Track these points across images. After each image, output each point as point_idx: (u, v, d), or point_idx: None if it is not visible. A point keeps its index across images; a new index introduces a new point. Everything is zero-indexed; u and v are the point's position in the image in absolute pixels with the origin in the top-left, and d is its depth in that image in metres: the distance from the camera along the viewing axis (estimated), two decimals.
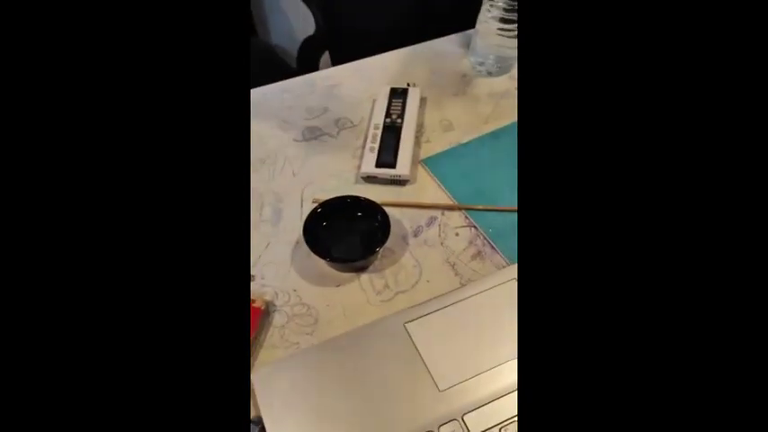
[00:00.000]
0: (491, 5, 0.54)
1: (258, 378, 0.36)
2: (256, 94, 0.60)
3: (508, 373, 0.36)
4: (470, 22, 0.59)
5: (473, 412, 0.34)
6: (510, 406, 0.34)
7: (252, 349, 0.38)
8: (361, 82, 0.60)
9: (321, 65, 0.94)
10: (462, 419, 0.34)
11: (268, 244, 0.45)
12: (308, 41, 0.93)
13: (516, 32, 0.55)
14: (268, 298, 0.41)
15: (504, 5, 0.52)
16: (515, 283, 0.40)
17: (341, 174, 0.50)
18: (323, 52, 0.87)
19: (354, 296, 0.42)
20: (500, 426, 0.34)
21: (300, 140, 0.54)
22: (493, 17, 0.54)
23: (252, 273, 0.43)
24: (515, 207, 0.46)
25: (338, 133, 0.55)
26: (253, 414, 0.35)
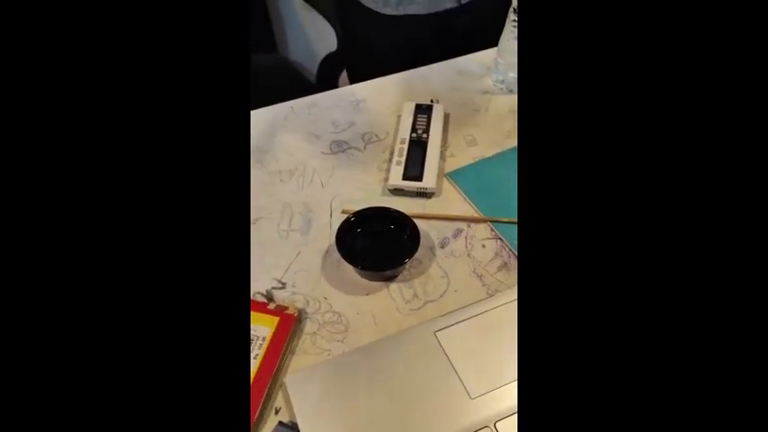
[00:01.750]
0: (513, 26, 0.56)
1: (292, 383, 0.37)
2: (283, 108, 0.62)
3: None
4: (488, 42, 0.61)
5: (505, 419, 0.35)
6: None
7: (284, 355, 0.39)
8: (386, 98, 0.62)
9: (340, 82, 0.96)
10: (494, 426, 0.35)
11: (299, 253, 0.46)
12: (328, 58, 0.96)
13: None
14: (299, 305, 0.42)
15: None
16: None
17: (368, 186, 0.52)
18: (343, 69, 0.89)
19: (384, 304, 0.43)
20: None
21: (328, 153, 0.56)
22: (515, 37, 0.56)
23: (283, 281, 0.44)
24: None
25: (365, 147, 0.56)
26: (288, 419, 0.36)
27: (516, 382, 0.36)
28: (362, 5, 0.68)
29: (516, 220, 0.48)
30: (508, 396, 0.36)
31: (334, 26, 0.89)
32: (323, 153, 0.56)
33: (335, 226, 0.45)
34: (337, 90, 0.65)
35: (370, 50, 0.76)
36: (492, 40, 0.61)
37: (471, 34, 0.69)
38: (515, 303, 0.41)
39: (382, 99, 0.62)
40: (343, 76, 0.95)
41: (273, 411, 0.37)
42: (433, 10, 0.67)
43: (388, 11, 0.68)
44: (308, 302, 0.43)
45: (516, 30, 0.55)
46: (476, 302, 0.41)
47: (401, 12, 0.67)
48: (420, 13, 0.67)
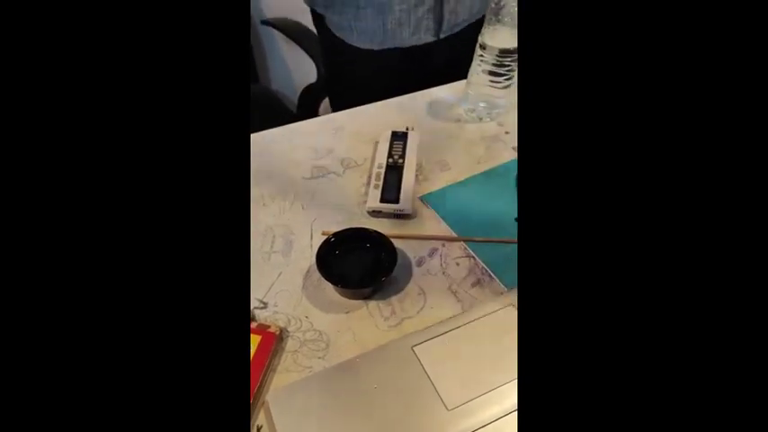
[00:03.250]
0: (481, 60, 0.60)
1: (273, 400, 0.38)
2: (266, 136, 0.64)
3: (512, 393, 0.38)
4: (463, 74, 0.65)
5: (481, 429, 0.36)
6: (514, 424, 0.37)
7: (266, 373, 0.40)
8: (364, 125, 0.65)
9: (321, 110, 1.00)
10: None
11: (280, 273, 0.48)
12: (308, 88, 1.00)
13: (503, 84, 0.62)
14: (281, 324, 0.44)
15: (493, 61, 0.59)
16: (513, 309, 0.44)
17: (347, 208, 0.54)
18: (323, 98, 0.93)
19: (363, 322, 0.44)
20: None
21: (309, 178, 0.58)
22: (483, 70, 0.61)
23: (265, 301, 0.46)
24: (509, 239, 0.50)
25: (344, 172, 0.59)
26: None
27: (490, 392, 0.38)
28: (347, 44, 0.73)
29: (488, 239, 0.50)
30: (483, 407, 0.37)
31: (315, 61, 0.93)
32: (304, 178, 0.58)
33: (316, 247, 0.47)
34: (318, 118, 0.68)
35: (351, 81, 0.80)
36: (465, 72, 0.65)
37: (447, 66, 0.74)
38: (489, 317, 0.43)
39: (360, 127, 0.65)
40: (324, 104, 0.99)
41: (255, 430, 0.37)
42: (414, 44, 0.72)
43: (373, 46, 0.72)
44: (289, 321, 0.44)
45: (482, 63, 0.60)
46: (451, 318, 0.43)
47: (385, 47, 0.72)
48: (402, 46, 0.72)
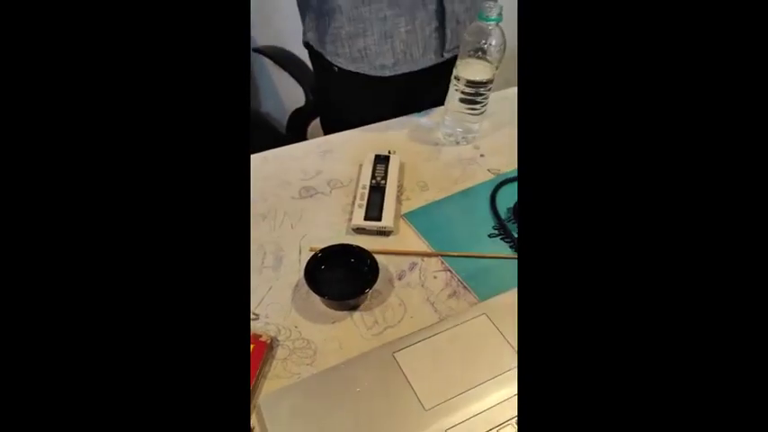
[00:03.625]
0: (456, 90, 0.66)
1: (264, 404, 0.41)
2: (257, 158, 0.68)
3: (484, 393, 0.42)
4: (441, 102, 0.71)
5: (456, 427, 0.40)
6: (489, 419, 0.40)
7: (258, 379, 0.43)
8: (350, 149, 0.70)
9: (309, 132, 1.05)
10: None
11: (270, 287, 0.51)
12: (297, 111, 1.05)
13: (477, 111, 0.67)
14: (272, 334, 0.47)
15: (467, 90, 0.64)
16: (486, 318, 0.48)
17: (333, 226, 0.58)
18: (311, 121, 0.98)
19: (348, 331, 0.48)
20: None
21: (297, 198, 0.62)
22: (458, 99, 0.66)
23: (257, 312, 0.49)
24: (484, 254, 0.55)
25: (330, 192, 0.63)
26: None
27: (465, 393, 0.42)
28: (349, 74, 0.76)
29: (464, 253, 0.55)
30: (458, 406, 0.41)
31: (303, 86, 0.98)
32: (293, 198, 0.62)
33: (304, 262, 0.50)
34: (307, 142, 0.72)
35: (340, 107, 0.85)
36: (443, 101, 0.70)
37: (427, 95, 0.79)
38: (463, 326, 0.47)
39: (347, 150, 0.70)
40: (312, 126, 1.03)
41: None
42: (424, 65, 0.76)
43: (386, 72, 0.75)
44: (279, 331, 0.47)
45: (457, 92, 0.65)
46: (429, 326, 0.47)
47: (398, 71, 0.75)
48: (415, 69, 0.76)
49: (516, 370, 0.43)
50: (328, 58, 0.76)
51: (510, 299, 0.49)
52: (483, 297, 0.51)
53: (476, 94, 0.65)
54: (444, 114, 0.70)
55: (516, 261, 0.54)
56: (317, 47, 0.77)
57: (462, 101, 0.66)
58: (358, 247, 0.51)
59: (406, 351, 0.45)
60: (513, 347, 0.45)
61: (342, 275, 0.50)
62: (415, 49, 0.74)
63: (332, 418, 0.40)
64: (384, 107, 0.78)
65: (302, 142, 0.72)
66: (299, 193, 0.63)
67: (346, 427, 0.39)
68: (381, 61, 0.74)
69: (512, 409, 0.41)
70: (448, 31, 0.73)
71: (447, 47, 0.75)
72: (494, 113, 0.73)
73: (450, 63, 0.69)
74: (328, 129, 0.82)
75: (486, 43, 0.60)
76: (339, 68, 0.75)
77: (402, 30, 0.71)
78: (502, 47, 0.61)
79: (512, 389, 0.42)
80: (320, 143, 0.72)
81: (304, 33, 0.79)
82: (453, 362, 0.44)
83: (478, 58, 0.62)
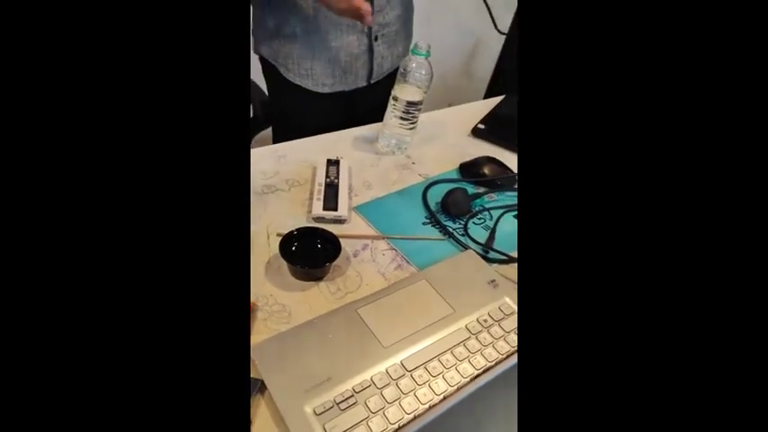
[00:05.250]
0: (393, 107, 0.81)
1: (255, 351, 0.49)
2: None
3: (428, 333, 0.54)
4: (379, 118, 0.85)
5: (410, 357, 0.52)
6: (432, 351, 0.52)
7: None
8: (302, 155, 0.81)
9: (256, 141, 1.13)
10: (401, 363, 0.51)
11: None
12: None
13: (409, 126, 0.82)
14: (253, 300, 0.55)
15: (402, 109, 0.79)
16: (425, 282, 0.61)
17: (295, 216, 0.68)
18: (258, 131, 1.07)
19: (316, 297, 0.58)
20: (425, 364, 0.51)
21: (260, 193, 0.71)
22: (395, 116, 0.81)
23: None
24: (420, 236, 0.68)
25: (289, 189, 0.73)
26: (254, 375, 0.48)
27: (413, 334, 0.54)
28: (299, 89, 0.91)
29: (404, 236, 0.68)
30: (410, 342, 0.53)
31: (252, 104, 1.07)
32: (256, 193, 0.71)
33: (273, 245, 0.59)
34: (263, 148, 0.81)
35: (295, 120, 0.98)
36: (382, 117, 0.85)
37: (367, 111, 0.94)
38: (408, 288, 0.59)
39: (300, 155, 0.80)
40: (259, 136, 1.12)
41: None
42: (354, 87, 0.94)
43: (325, 90, 0.92)
44: (258, 298, 0.56)
45: (394, 110, 0.80)
46: (382, 289, 0.59)
47: (335, 90, 0.92)
48: (346, 89, 0.93)
49: (450, 317, 0.57)
50: (280, 70, 0.89)
51: (442, 267, 0.63)
52: (421, 267, 0.64)
53: (408, 113, 0.80)
54: (383, 128, 0.85)
55: (444, 241, 0.69)
56: (271, 60, 0.90)
57: (398, 117, 0.80)
58: (323, 229, 0.62)
59: (367, 308, 0.56)
60: (446, 301, 0.58)
61: (310, 251, 0.60)
62: (349, 75, 0.92)
63: (309, 359, 0.49)
64: (326, 116, 0.94)
65: (258, 148, 0.81)
66: (261, 189, 0.72)
67: (321, 365, 0.49)
68: (323, 80, 0.90)
69: (448, 343, 0.54)
70: (375, 66, 0.93)
71: (373, 77, 0.95)
72: (422, 129, 0.89)
73: (376, 86, 0.87)
74: (279, 138, 0.92)
75: (417, 72, 0.76)
76: (289, 81, 0.89)
77: (342, 59, 0.89)
78: (429, 75, 0.77)
79: (448, 329, 0.55)
80: (275, 149, 0.81)
81: (255, 45, 0.92)
82: (403, 313, 0.56)
83: (411, 83, 0.77)
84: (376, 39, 0.89)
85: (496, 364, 0.53)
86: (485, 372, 0.52)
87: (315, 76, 0.90)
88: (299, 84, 0.91)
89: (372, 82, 0.96)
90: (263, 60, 0.93)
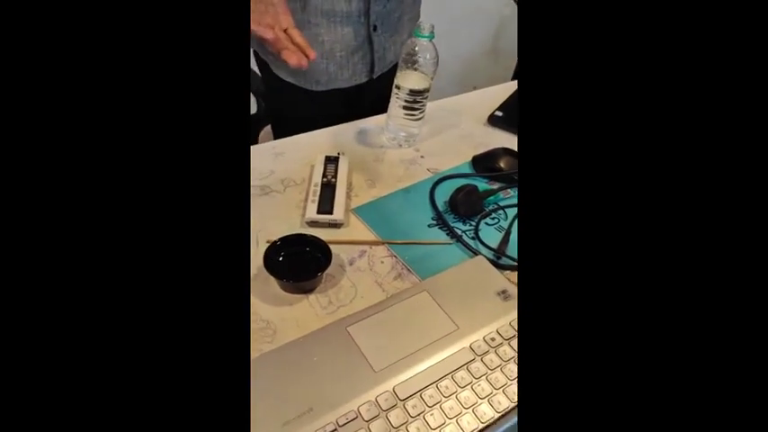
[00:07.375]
0: (397, 98, 0.74)
1: None
2: None
3: (426, 355, 0.48)
4: (384, 110, 0.78)
5: (402, 384, 0.46)
6: (429, 376, 0.47)
7: None
8: (301, 151, 0.75)
9: (261, 138, 1.09)
10: (393, 390, 0.46)
11: None
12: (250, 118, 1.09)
13: (416, 117, 0.75)
14: None
15: (406, 98, 0.72)
16: (426, 294, 0.54)
17: (288, 220, 0.63)
18: (263, 127, 1.02)
19: (304, 311, 0.53)
20: (420, 392, 0.46)
21: (253, 196, 0.66)
22: (399, 106, 0.74)
23: None
24: (424, 241, 0.62)
25: (284, 190, 0.68)
26: None
27: (408, 357, 0.48)
28: (293, 85, 0.84)
29: (406, 241, 0.62)
30: (403, 367, 0.47)
31: (255, 96, 1.03)
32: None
33: (262, 254, 0.55)
34: (260, 145, 0.77)
35: (292, 115, 0.91)
36: (386, 108, 0.78)
37: (372, 103, 0.87)
38: (407, 301, 0.53)
39: (298, 152, 0.75)
40: (263, 132, 1.07)
41: None
42: (352, 84, 0.86)
43: (320, 88, 0.84)
44: None
45: (398, 100, 0.73)
46: (377, 303, 0.53)
47: (329, 87, 0.84)
48: (342, 87, 0.85)
49: (452, 335, 0.50)
50: (272, 67, 0.83)
51: (446, 277, 0.57)
52: (424, 277, 0.58)
53: (414, 102, 0.73)
54: (387, 120, 0.78)
55: (451, 246, 0.62)
56: (262, 55, 0.84)
57: (403, 108, 0.73)
58: (312, 235, 0.57)
59: (358, 325, 0.50)
60: (449, 316, 0.52)
61: (298, 261, 0.55)
62: (346, 71, 0.84)
63: (291, 385, 0.45)
64: (325, 112, 0.86)
65: (255, 145, 0.76)
66: (253, 191, 0.67)
67: (305, 393, 0.44)
68: (317, 78, 0.83)
69: (448, 367, 0.48)
70: (376, 58, 0.85)
71: (375, 70, 0.86)
72: (431, 120, 0.81)
73: (381, 79, 0.79)
74: (279, 134, 0.87)
75: (421, 57, 0.69)
76: (281, 78, 0.83)
77: (337, 54, 0.81)
78: (435, 60, 0.69)
79: (449, 350, 0.49)
80: (273, 146, 0.76)
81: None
82: (399, 331, 0.50)
83: (415, 69, 0.70)
84: (375, 28, 0.80)
85: (503, 388, 0.47)
86: (489, 398, 0.46)
87: (306, 73, 0.83)
88: (293, 82, 0.85)
89: (375, 77, 0.88)
90: (255, 53, 0.88)
